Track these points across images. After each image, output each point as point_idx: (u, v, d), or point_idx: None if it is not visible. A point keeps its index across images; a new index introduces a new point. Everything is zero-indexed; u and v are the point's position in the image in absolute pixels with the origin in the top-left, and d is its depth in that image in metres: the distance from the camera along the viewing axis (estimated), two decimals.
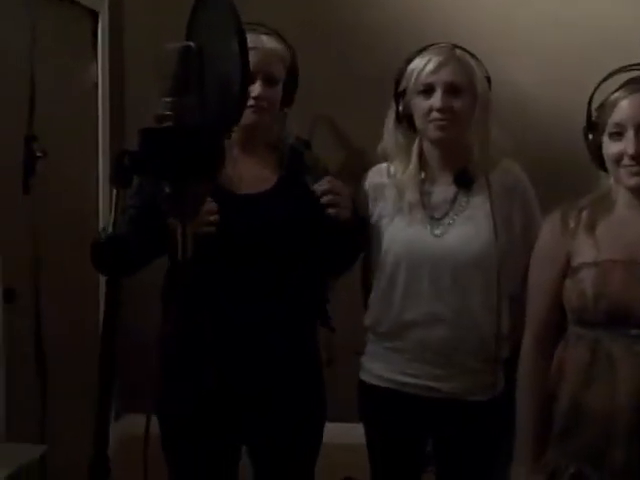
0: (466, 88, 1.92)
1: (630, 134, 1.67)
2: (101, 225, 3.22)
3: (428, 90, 1.92)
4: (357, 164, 3.14)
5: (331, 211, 1.87)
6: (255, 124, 1.90)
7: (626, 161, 1.68)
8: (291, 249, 1.91)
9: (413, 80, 1.94)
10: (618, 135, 1.69)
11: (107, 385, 1.27)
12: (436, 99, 1.90)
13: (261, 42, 1.88)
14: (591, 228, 1.75)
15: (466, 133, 1.94)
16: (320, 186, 1.88)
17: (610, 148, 1.71)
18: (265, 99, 1.89)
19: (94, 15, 3.34)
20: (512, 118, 3.15)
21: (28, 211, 2.69)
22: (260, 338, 1.89)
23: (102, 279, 3.54)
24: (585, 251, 1.73)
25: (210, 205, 1.77)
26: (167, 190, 1.22)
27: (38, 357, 2.70)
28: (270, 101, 1.91)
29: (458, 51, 1.95)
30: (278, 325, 1.91)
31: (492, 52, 3.11)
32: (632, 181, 1.69)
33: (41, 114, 2.74)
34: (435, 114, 1.90)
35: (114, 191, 1.21)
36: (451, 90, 1.91)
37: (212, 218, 1.77)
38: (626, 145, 1.67)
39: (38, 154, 2.69)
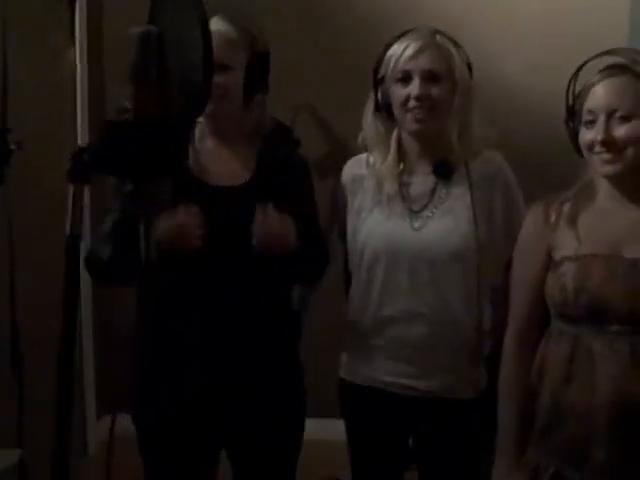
0: (445, 75, 1.87)
1: (601, 120, 1.63)
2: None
3: (406, 78, 1.87)
4: (340, 154, 3.08)
5: (254, 240, 1.79)
6: (213, 113, 1.81)
7: (597, 148, 1.64)
8: None
9: (391, 67, 1.89)
10: (591, 123, 1.65)
11: (67, 386, 1.22)
12: (414, 87, 1.85)
13: (212, 25, 1.80)
14: (573, 220, 1.71)
15: (445, 122, 1.89)
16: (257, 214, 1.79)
17: (584, 135, 1.67)
18: (218, 87, 1.76)
19: (71, 0, 3.26)
20: (499, 106, 3.11)
21: (2, 202, 2.62)
22: (239, 327, 1.85)
23: (81, 273, 3.44)
24: (566, 244, 1.70)
25: (197, 218, 1.72)
26: (128, 187, 1.16)
27: (14, 357, 2.63)
28: (225, 88, 1.80)
29: (438, 37, 1.89)
30: (256, 314, 1.87)
31: (479, 39, 3.09)
32: (604, 169, 1.65)
33: (16, 104, 2.66)
34: (413, 102, 1.85)
35: (71, 188, 1.15)
36: (429, 77, 1.86)
37: (199, 232, 1.73)
38: (597, 131, 1.63)
39: (12, 146, 2.61)
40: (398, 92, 1.88)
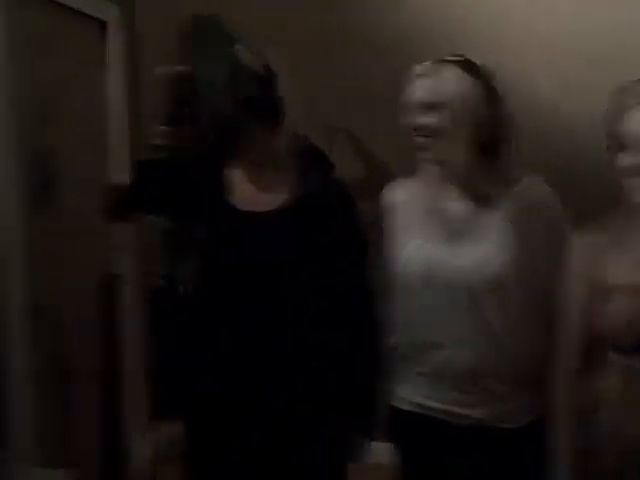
0: (439, 104, 1.82)
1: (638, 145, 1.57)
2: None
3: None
4: (378, 178, 3.06)
5: None
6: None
7: (633, 174, 1.58)
8: (291, 267, 1.88)
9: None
10: (629, 147, 1.59)
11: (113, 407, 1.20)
12: (410, 117, 1.85)
13: None
14: (623, 248, 1.66)
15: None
16: None
17: (621, 160, 1.61)
18: None
19: (103, 26, 3.26)
20: (535, 129, 3.04)
21: (43, 227, 2.62)
22: (268, 340, 1.87)
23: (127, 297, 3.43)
24: (618, 273, 1.64)
25: None
26: (164, 224, 1.15)
27: (61, 375, 2.66)
28: None
29: (445, 65, 1.85)
30: (285, 326, 1.88)
31: (514, 62, 3.05)
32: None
33: (53, 129, 2.69)
34: (415, 132, 1.85)
35: (109, 227, 1.13)
36: (422, 106, 1.83)
37: None
38: (635, 157, 1.57)
39: (51, 171, 2.65)
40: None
